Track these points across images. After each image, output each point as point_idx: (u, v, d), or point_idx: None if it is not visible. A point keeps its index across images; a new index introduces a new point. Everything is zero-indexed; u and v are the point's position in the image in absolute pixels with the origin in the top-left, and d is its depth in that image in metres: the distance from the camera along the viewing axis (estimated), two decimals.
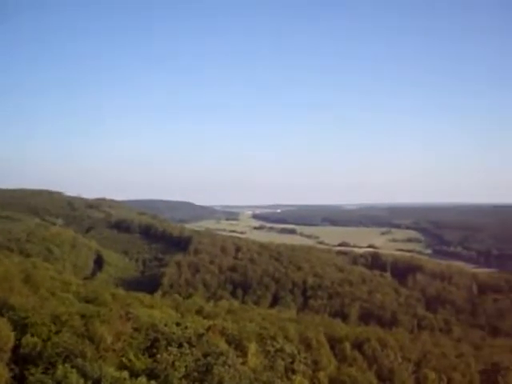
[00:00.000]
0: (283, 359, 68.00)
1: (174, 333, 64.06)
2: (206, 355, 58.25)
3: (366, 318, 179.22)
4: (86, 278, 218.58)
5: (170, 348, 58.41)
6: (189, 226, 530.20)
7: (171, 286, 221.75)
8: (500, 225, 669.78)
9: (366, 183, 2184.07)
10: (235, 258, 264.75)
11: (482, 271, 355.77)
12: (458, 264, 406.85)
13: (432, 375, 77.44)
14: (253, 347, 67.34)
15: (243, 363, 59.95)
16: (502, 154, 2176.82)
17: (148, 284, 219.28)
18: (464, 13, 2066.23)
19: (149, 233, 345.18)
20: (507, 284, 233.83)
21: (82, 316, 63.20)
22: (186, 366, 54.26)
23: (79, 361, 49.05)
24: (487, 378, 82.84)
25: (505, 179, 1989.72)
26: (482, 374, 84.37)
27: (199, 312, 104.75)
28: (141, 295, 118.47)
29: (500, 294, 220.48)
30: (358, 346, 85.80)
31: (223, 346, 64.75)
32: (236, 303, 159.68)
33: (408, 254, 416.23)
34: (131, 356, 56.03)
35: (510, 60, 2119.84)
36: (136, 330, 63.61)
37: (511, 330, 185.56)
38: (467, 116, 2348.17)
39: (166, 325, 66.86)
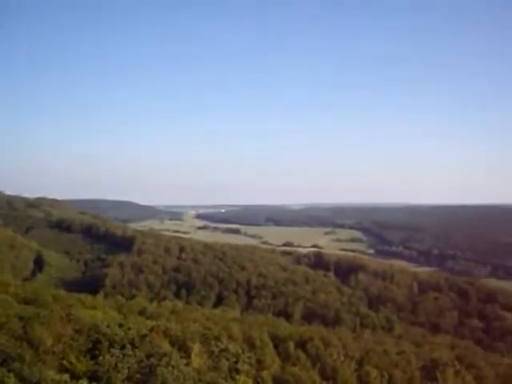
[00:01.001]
0: (227, 359, 67.77)
1: (116, 334, 63.05)
2: (149, 356, 57.59)
3: (309, 317, 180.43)
4: (25, 279, 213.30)
5: (112, 350, 57.48)
6: (132, 225, 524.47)
7: (114, 287, 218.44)
8: (440, 225, 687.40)
9: (310, 183, 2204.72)
10: (179, 258, 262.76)
11: (423, 270, 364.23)
12: (400, 263, 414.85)
13: (374, 372, 78.54)
14: (196, 348, 66.93)
15: (187, 364, 59.52)
16: (443, 156, 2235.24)
17: (90, 285, 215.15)
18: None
19: (91, 232, 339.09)
20: (447, 282, 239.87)
21: (21, 318, 61.60)
22: (128, 368, 53.53)
23: (17, 364, 47.74)
24: (427, 374, 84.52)
25: (446, 180, 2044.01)
26: (421, 370, 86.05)
27: (142, 313, 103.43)
28: (82, 296, 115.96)
29: (440, 293, 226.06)
30: (302, 345, 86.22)
31: (167, 346, 64.19)
32: (180, 304, 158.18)
33: (351, 254, 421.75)
34: (72, 358, 54.84)
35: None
36: (77, 331, 62.33)
37: (450, 327, 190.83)
38: (414, 116, 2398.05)
39: (108, 326, 65.71)
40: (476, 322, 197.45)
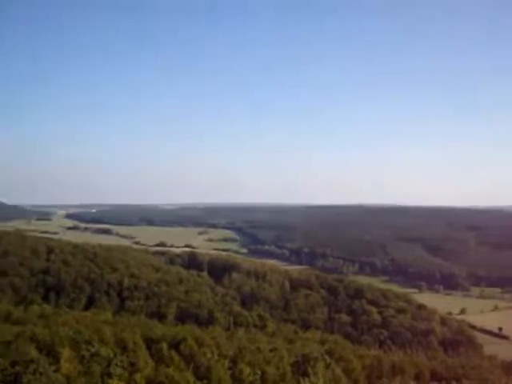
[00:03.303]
0: (99, 363, 66.05)
1: None
2: (14, 364, 54.80)
3: (183, 317, 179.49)
4: None
5: None
6: None
7: None
8: (311, 224, 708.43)
9: (184, 183, 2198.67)
10: (47, 259, 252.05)
11: (294, 268, 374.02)
12: (272, 262, 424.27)
13: (247, 370, 79.35)
14: (66, 353, 64.61)
15: (56, 370, 57.35)
16: (315, 157, 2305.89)
17: None
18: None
19: None
20: (317, 280, 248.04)
21: None
22: None
23: None
24: (298, 369, 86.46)
25: (317, 181, 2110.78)
26: (293, 366, 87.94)
27: (7, 318, 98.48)
28: None
29: (310, 290, 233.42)
30: (175, 345, 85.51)
31: (34, 353, 61.37)
32: (48, 308, 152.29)
33: (224, 254, 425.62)
34: None
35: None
36: None
37: (321, 323, 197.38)
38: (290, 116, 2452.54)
39: None
40: (345, 317, 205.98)
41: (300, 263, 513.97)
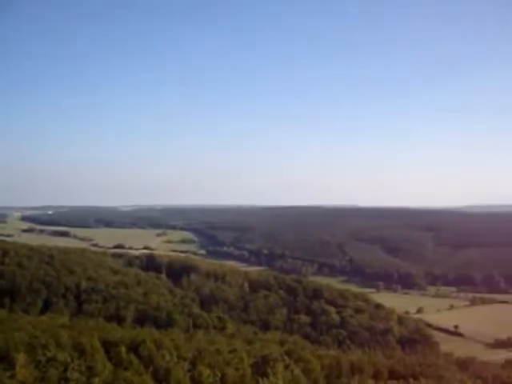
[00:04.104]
0: (56, 368, 64.91)
1: None
2: None
3: (141, 319, 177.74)
4: None
5: None
6: None
7: None
8: (269, 225, 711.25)
9: (142, 184, 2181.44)
10: (1, 263, 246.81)
11: (253, 269, 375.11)
12: (231, 263, 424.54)
13: (206, 372, 78.96)
14: (22, 358, 63.22)
15: (11, 376, 56.17)
16: (272, 158, 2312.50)
17: None
18: None
19: None
20: (276, 281, 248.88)
21: None
22: None
23: None
24: (258, 370, 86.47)
25: (276, 182, 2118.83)
26: (253, 367, 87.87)
27: None
28: None
29: (270, 291, 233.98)
30: (134, 348, 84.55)
31: None
32: (3, 312, 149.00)
33: (183, 255, 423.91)
34: None
35: None
36: None
37: (280, 324, 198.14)
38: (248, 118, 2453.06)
39: None
40: (304, 318, 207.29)
41: (259, 264, 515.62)
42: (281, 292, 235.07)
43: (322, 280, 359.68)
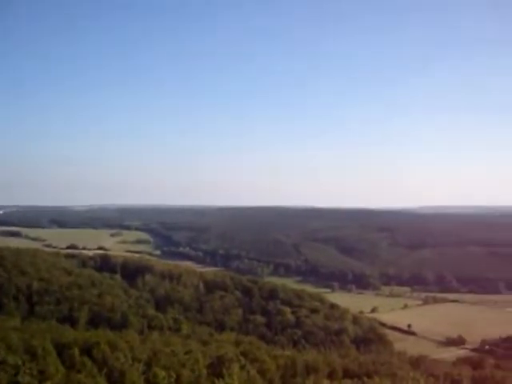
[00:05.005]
0: (6, 372, 63.51)
1: None
2: None
3: (95, 321, 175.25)
4: None
5: None
6: None
7: None
8: (225, 226, 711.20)
9: (97, 183, 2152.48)
10: None
11: (209, 270, 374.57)
12: (187, 264, 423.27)
13: (162, 373, 78.28)
14: None
15: None
16: (225, 158, 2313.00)
17: None
18: None
19: None
20: (232, 281, 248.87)
21: None
22: None
23: None
24: (213, 371, 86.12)
25: (231, 182, 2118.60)
26: (208, 368, 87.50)
27: None
28: None
29: (225, 292, 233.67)
30: (88, 350, 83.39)
31: None
32: None
33: (137, 256, 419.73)
34: None
35: None
36: None
37: (235, 324, 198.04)
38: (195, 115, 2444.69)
39: None
40: (259, 318, 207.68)
41: (215, 265, 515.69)
42: (236, 293, 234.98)
43: (278, 280, 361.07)
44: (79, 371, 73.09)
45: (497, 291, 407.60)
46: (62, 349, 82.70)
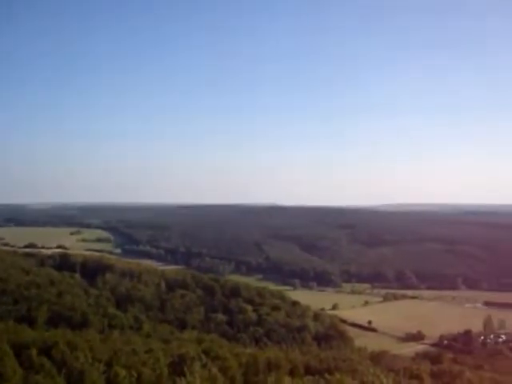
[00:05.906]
0: None
1: None
2: None
3: (55, 321, 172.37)
4: None
5: None
6: None
7: None
8: (187, 224, 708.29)
9: (57, 181, 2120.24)
10: None
11: (170, 268, 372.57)
12: (148, 262, 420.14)
13: (122, 372, 77.52)
14: None
15: None
16: (182, 157, 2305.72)
17: None
18: None
19: None
20: (193, 280, 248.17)
21: None
22: None
23: None
24: (174, 370, 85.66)
25: (193, 180, 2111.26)
26: (170, 367, 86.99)
27: None
28: None
29: (187, 290, 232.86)
30: (46, 350, 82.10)
31: None
32: None
33: (98, 254, 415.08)
34: None
35: None
36: None
37: (197, 323, 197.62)
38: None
39: None
40: (221, 316, 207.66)
41: (176, 263, 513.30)
42: (198, 291, 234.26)
43: (240, 278, 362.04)
44: (38, 372, 71.87)
45: (455, 287, 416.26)
46: (19, 349, 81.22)
